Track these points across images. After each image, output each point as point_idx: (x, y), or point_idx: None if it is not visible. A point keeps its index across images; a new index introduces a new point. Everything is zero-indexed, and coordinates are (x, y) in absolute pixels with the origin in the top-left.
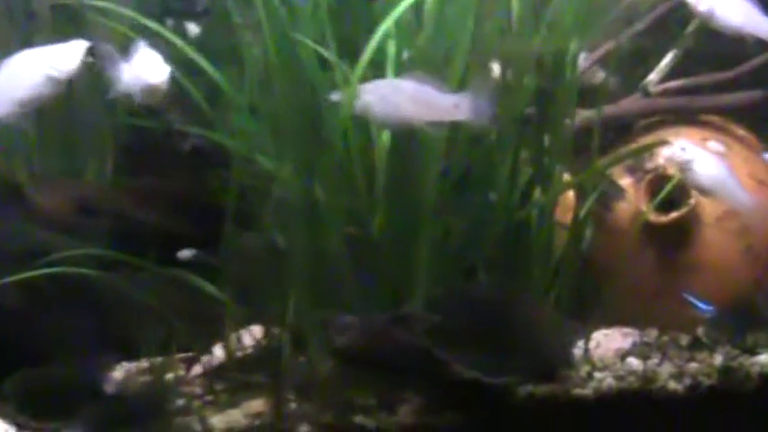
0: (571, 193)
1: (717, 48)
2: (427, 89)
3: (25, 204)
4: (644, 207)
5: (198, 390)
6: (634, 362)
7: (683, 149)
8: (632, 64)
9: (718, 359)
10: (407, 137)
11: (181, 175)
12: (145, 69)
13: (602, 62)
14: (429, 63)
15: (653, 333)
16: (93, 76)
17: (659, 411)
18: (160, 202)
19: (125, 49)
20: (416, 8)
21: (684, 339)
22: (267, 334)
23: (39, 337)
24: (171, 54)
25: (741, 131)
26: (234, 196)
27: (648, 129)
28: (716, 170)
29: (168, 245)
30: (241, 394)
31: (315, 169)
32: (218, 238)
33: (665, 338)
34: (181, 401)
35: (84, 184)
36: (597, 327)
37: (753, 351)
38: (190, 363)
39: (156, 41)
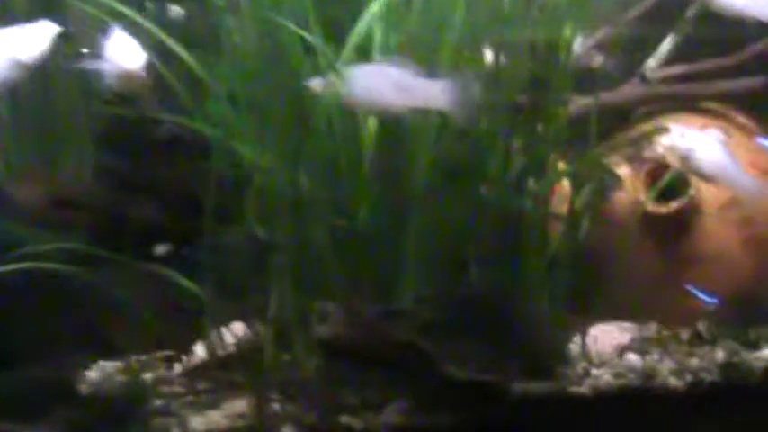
0: (567, 184)
1: (717, 33)
2: (408, 75)
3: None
4: (643, 197)
5: (179, 389)
6: (633, 357)
7: (682, 135)
8: (631, 50)
9: (720, 354)
10: (395, 124)
11: (156, 165)
12: (120, 55)
13: (600, 47)
14: (418, 49)
15: (652, 327)
16: (69, 63)
17: (659, 409)
18: (136, 193)
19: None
20: None
21: (685, 334)
22: (249, 331)
23: (9, 335)
24: (149, 40)
25: (742, 119)
26: (214, 187)
27: (647, 116)
28: (717, 155)
29: (146, 239)
30: (223, 394)
31: (298, 158)
32: (197, 232)
33: (665, 333)
34: (160, 402)
35: (61, 176)
36: (594, 321)
37: (756, 345)
38: (170, 362)
39: (134, 27)
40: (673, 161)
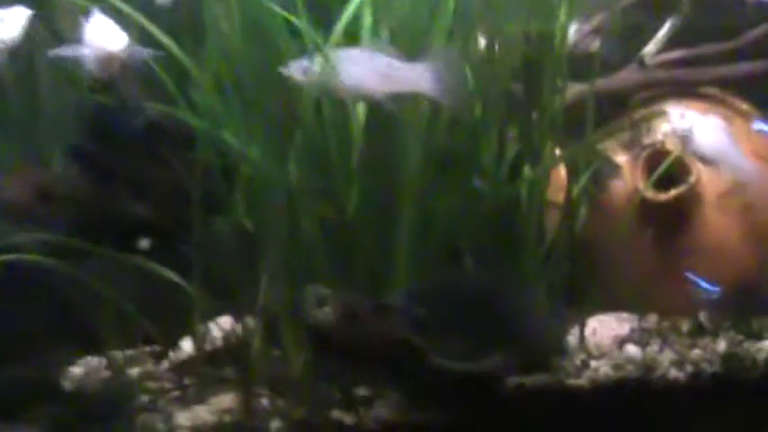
0: (563, 172)
1: (716, 18)
2: (391, 60)
3: None
4: (641, 185)
5: (166, 385)
6: (632, 349)
7: (682, 116)
8: (628, 35)
9: (721, 345)
10: (385, 112)
11: (135, 154)
12: (101, 37)
13: (597, 32)
14: (408, 33)
15: (652, 318)
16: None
17: (659, 401)
18: (116, 184)
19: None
20: None
21: (686, 325)
22: (237, 324)
23: None
24: (132, 25)
25: (743, 105)
26: (200, 177)
27: (645, 102)
28: (718, 137)
29: (127, 231)
30: (210, 389)
31: (286, 147)
32: (182, 223)
33: (665, 324)
34: (146, 398)
35: (43, 169)
36: (592, 312)
37: (759, 336)
38: (158, 357)
39: (117, 13)
40: (672, 147)
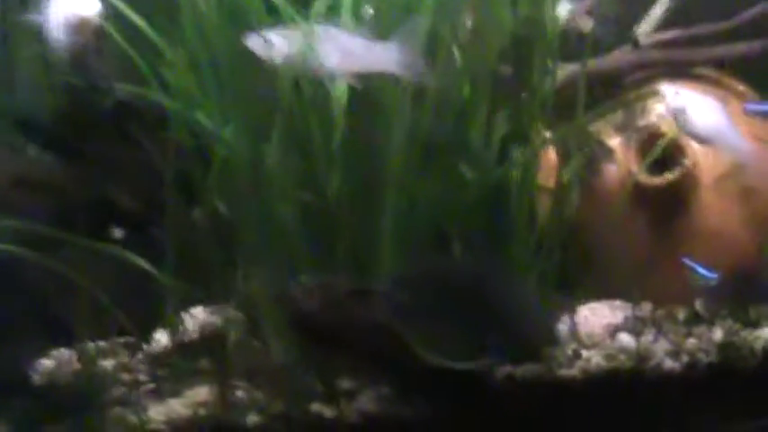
0: (554, 156)
1: None
2: (356, 38)
3: None
4: (635, 168)
5: (141, 377)
6: (625, 338)
7: (677, 94)
8: (621, 13)
9: (717, 334)
10: (368, 92)
11: (103, 136)
12: (72, 2)
13: (590, 12)
14: (391, 12)
15: (646, 307)
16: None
17: (654, 393)
18: (85, 169)
19: None
20: None
21: (681, 313)
22: (213, 314)
23: None
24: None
25: (739, 86)
26: (173, 160)
27: (639, 84)
28: (714, 116)
29: (98, 217)
30: (187, 382)
31: (263, 128)
32: (154, 209)
33: (660, 312)
34: (120, 390)
35: (17, 155)
36: (584, 300)
37: (756, 324)
38: (132, 348)
39: None
40: (667, 129)
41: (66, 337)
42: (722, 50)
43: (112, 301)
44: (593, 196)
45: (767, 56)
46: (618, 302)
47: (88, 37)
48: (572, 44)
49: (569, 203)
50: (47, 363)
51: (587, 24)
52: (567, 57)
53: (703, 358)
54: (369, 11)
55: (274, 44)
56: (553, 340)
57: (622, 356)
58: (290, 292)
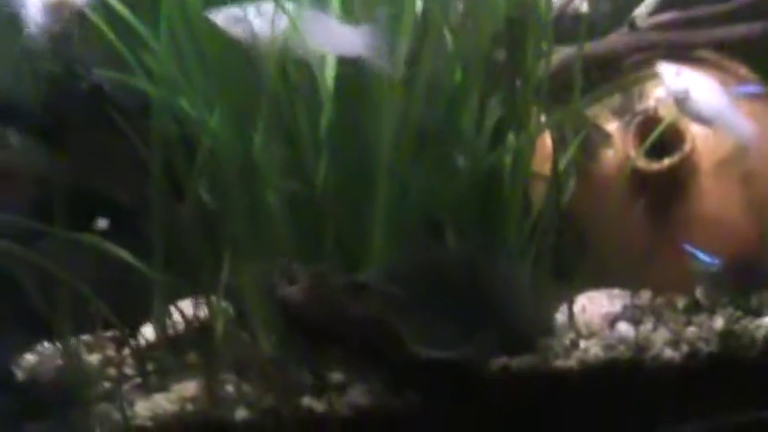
0: (550, 141)
1: None
2: (325, 19)
3: None
4: (633, 153)
5: (128, 371)
6: (624, 328)
7: (678, 74)
8: None
9: (718, 323)
10: (356, 75)
11: (80, 123)
12: None
13: None
14: None
15: (645, 295)
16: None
17: (653, 383)
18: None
19: None
20: None
21: (681, 301)
22: (201, 307)
23: None
24: None
25: (740, 69)
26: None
27: (637, 67)
28: (716, 96)
29: (85, 210)
30: (174, 376)
31: (248, 113)
32: (139, 200)
33: (659, 301)
34: (105, 385)
35: None
36: (582, 289)
37: (758, 313)
38: (119, 343)
39: None
40: (665, 113)
41: (49, 332)
42: (722, 32)
43: (97, 295)
44: (589, 183)
45: (767, 38)
46: (616, 291)
47: (68, 20)
48: (567, 27)
49: (565, 190)
50: (30, 358)
51: (583, 6)
52: (563, 39)
53: (704, 347)
54: None
55: (240, 20)
56: (550, 330)
57: (621, 346)
58: (277, 283)
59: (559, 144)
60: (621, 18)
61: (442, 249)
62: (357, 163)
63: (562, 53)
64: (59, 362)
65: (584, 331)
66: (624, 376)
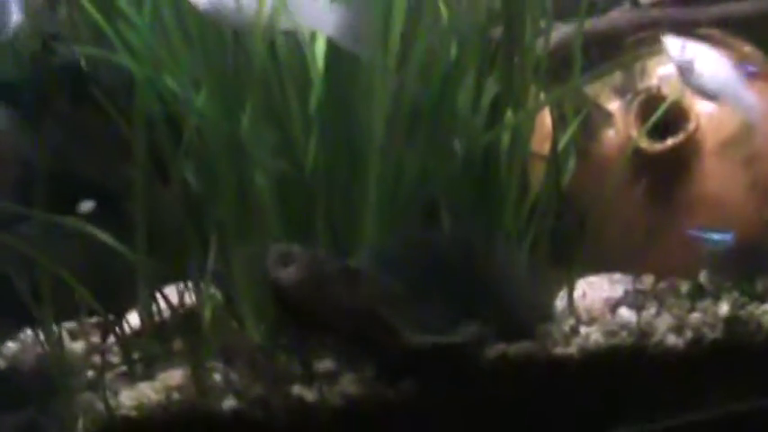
0: (549, 120)
1: None
2: None
3: None
4: (634, 133)
5: (113, 359)
6: (626, 313)
7: (682, 47)
8: None
9: (723, 308)
10: (347, 54)
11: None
12: None
13: None
14: None
15: (647, 280)
16: None
17: (656, 370)
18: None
19: None
20: None
21: (684, 286)
22: (188, 292)
23: None
24: None
25: (746, 47)
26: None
27: (639, 45)
28: (722, 69)
29: (68, 191)
30: (161, 364)
31: (236, 92)
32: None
33: (662, 285)
34: (89, 374)
35: None
36: (582, 274)
37: (763, 298)
38: (104, 329)
39: None
40: (668, 92)
41: (32, 319)
42: (726, 9)
43: (81, 281)
44: (590, 163)
45: None
46: (618, 275)
47: None
48: (568, 2)
49: (565, 171)
50: (12, 346)
51: None
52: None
53: (708, 334)
54: None
55: None
56: (549, 316)
57: (623, 333)
58: (271, 264)
59: (559, 124)
60: None
61: (436, 232)
62: (348, 142)
63: (561, 30)
64: (42, 350)
65: (584, 317)
66: (626, 363)
